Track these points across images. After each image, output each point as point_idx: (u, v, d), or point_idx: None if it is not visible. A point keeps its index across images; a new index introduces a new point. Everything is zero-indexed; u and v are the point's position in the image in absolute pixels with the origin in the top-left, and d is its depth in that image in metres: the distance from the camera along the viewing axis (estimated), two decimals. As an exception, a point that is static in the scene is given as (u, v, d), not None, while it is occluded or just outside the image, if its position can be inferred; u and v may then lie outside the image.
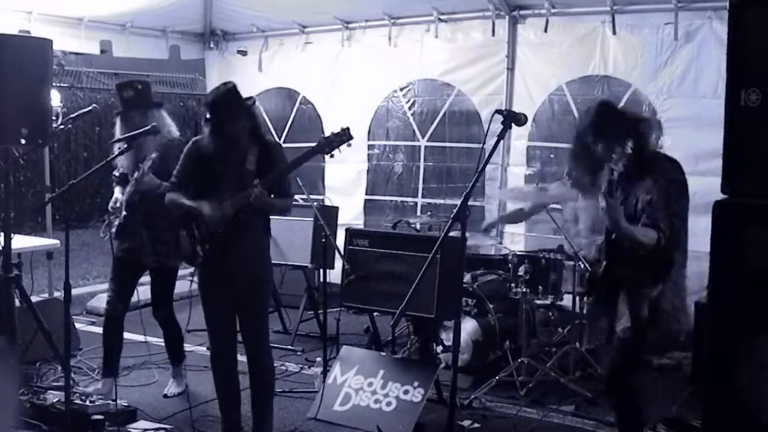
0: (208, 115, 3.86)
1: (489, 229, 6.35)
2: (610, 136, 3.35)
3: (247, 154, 3.84)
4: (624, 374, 3.48)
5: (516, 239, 6.81)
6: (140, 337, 4.82)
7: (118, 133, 4.64)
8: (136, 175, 4.46)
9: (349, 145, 3.85)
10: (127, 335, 4.88)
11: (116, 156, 4.35)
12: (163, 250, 4.62)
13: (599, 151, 3.39)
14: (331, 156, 3.86)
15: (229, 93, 3.82)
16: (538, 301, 5.38)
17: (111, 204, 4.72)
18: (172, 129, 4.72)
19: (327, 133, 3.86)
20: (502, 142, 3.39)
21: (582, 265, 5.12)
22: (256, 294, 3.92)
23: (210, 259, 3.88)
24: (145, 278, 4.87)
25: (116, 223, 4.65)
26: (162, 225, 4.52)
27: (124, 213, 4.58)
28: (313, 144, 3.87)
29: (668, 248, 3.27)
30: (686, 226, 3.41)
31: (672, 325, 3.60)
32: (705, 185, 5.50)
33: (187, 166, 3.96)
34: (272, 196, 3.83)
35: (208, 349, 4.15)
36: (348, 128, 3.82)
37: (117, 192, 4.73)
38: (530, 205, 5.19)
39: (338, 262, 5.27)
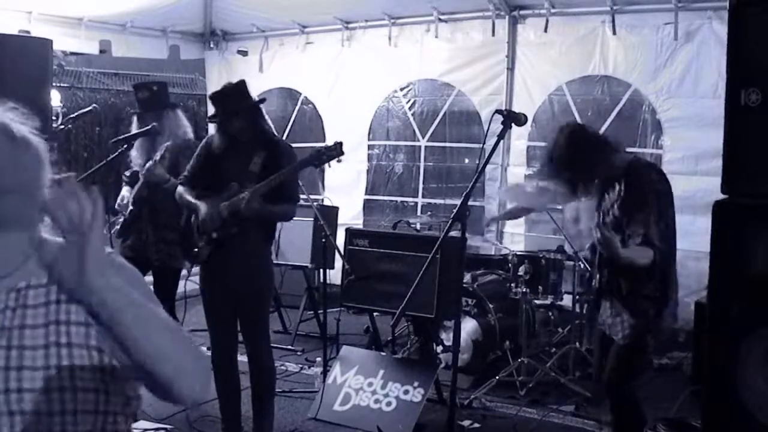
0: (211, 111, 3.89)
1: (489, 225, 6.33)
2: (585, 166, 3.32)
3: (252, 155, 3.83)
4: (621, 377, 3.41)
5: (516, 239, 6.81)
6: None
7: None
8: (148, 164, 4.47)
9: (339, 161, 3.88)
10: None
11: (115, 156, 4.36)
12: (166, 249, 4.63)
13: (578, 179, 3.36)
14: (320, 169, 3.89)
15: (232, 89, 3.84)
16: (538, 301, 5.38)
17: (118, 201, 4.74)
18: (188, 131, 4.74)
19: (324, 142, 3.89)
20: (502, 142, 3.40)
21: (582, 265, 5.12)
22: (253, 295, 3.92)
23: (208, 258, 3.89)
24: (147, 279, 4.88)
25: (119, 221, 4.67)
26: (166, 224, 4.53)
27: (130, 209, 4.60)
28: (312, 145, 3.89)
29: (666, 263, 3.24)
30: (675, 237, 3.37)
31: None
32: (705, 185, 5.59)
33: (197, 162, 3.99)
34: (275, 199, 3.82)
35: (208, 348, 4.16)
36: (341, 143, 3.84)
37: (125, 191, 4.75)
38: (531, 202, 5.19)
39: (338, 262, 5.27)
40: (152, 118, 4.50)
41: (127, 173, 4.76)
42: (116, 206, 4.74)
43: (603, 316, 3.49)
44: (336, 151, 3.81)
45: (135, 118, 4.73)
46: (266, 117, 4.10)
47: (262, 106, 3.98)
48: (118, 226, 4.69)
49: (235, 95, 3.82)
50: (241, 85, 3.86)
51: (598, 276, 3.43)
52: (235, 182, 3.80)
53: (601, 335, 3.55)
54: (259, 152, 3.83)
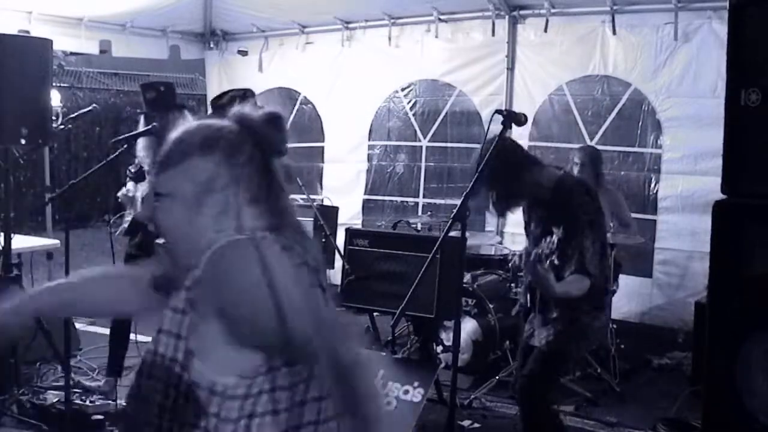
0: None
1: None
2: (507, 182, 3.26)
3: None
4: (540, 385, 3.33)
5: (516, 239, 6.80)
6: (143, 337, 4.81)
7: None
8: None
9: None
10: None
11: (115, 156, 4.36)
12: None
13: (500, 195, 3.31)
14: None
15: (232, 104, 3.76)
16: (538, 301, 5.38)
17: (122, 192, 4.73)
18: None
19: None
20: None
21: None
22: None
23: None
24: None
25: (127, 219, 4.67)
26: None
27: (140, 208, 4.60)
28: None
29: (600, 284, 3.21)
30: (606, 252, 3.35)
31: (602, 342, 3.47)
32: (705, 185, 5.59)
33: None
34: None
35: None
36: None
37: (130, 185, 4.74)
38: None
39: (338, 262, 5.27)
40: (159, 118, 4.50)
41: (132, 168, 4.75)
42: (119, 196, 4.73)
43: (530, 324, 3.45)
44: None
45: (142, 118, 4.74)
46: None
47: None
48: (125, 225, 4.69)
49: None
50: (246, 99, 3.79)
51: (528, 296, 3.39)
52: None
53: (525, 345, 3.50)
54: None
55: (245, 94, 4.44)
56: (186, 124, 1.47)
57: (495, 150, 3.14)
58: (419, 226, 6.13)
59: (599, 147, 5.96)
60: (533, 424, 3.40)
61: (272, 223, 1.44)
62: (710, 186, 4.70)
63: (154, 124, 4.45)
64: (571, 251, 3.10)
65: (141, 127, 4.63)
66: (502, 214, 3.42)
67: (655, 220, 6.09)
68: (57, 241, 5.94)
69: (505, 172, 3.21)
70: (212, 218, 1.41)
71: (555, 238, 3.16)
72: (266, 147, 1.48)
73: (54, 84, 5.15)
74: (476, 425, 4.49)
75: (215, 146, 1.42)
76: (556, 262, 3.13)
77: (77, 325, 6.14)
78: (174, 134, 1.47)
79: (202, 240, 1.39)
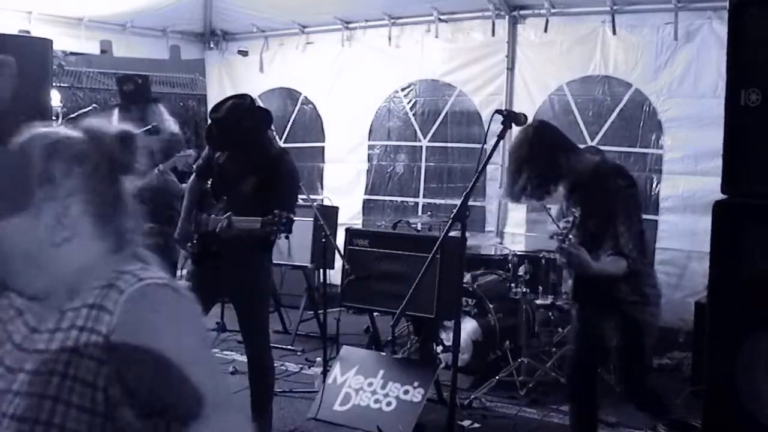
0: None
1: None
2: (541, 167, 3.23)
3: (247, 174, 3.73)
4: (635, 377, 3.37)
5: (516, 239, 6.81)
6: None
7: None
8: (160, 166, 4.48)
9: (287, 238, 3.73)
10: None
11: None
12: (163, 243, 4.63)
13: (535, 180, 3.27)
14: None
15: (226, 117, 3.66)
16: (538, 301, 5.38)
17: None
18: (171, 124, 4.76)
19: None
20: (502, 142, 3.39)
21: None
22: (249, 295, 3.88)
23: (197, 257, 3.88)
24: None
25: None
26: (164, 218, 4.54)
27: None
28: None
29: (636, 268, 3.21)
30: (645, 238, 3.35)
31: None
32: (705, 185, 5.60)
33: (207, 154, 3.92)
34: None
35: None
36: (291, 220, 3.57)
37: None
38: None
39: (338, 262, 5.27)
40: (136, 110, 4.53)
41: None
42: None
43: (580, 318, 3.46)
44: (285, 226, 3.52)
45: (116, 111, 4.75)
46: (269, 133, 3.95)
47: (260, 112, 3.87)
48: None
49: (228, 124, 3.64)
50: (239, 110, 3.67)
51: (570, 282, 3.40)
52: (224, 197, 3.73)
53: (579, 332, 3.51)
54: (257, 171, 3.72)
55: (249, 101, 4.34)
56: (31, 131, 1.39)
57: (534, 132, 3.20)
58: (419, 226, 6.13)
59: (600, 147, 5.95)
60: (649, 408, 3.46)
61: (113, 242, 1.38)
62: (711, 186, 4.69)
63: (155, 124, 4.47)
64: (607, 235, 3.13)
65: (115, 121, 4.64)
66: (539, 198, 3.42)
67: (656, 221, 6.09)
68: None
69: (542, 155, 3.22)
70: (48, 228, 1.31)
71: (572, 216, 3.19)
72: (113, 162, 1.39)
73: (54, 84, 5.15)
74: (476, 425, 4.49)
75: (58, 153, 1.34)
76: (572, 239, 3.15)
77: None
78: (17, 140, 1.37)
79: (38, 253, 1.32)
